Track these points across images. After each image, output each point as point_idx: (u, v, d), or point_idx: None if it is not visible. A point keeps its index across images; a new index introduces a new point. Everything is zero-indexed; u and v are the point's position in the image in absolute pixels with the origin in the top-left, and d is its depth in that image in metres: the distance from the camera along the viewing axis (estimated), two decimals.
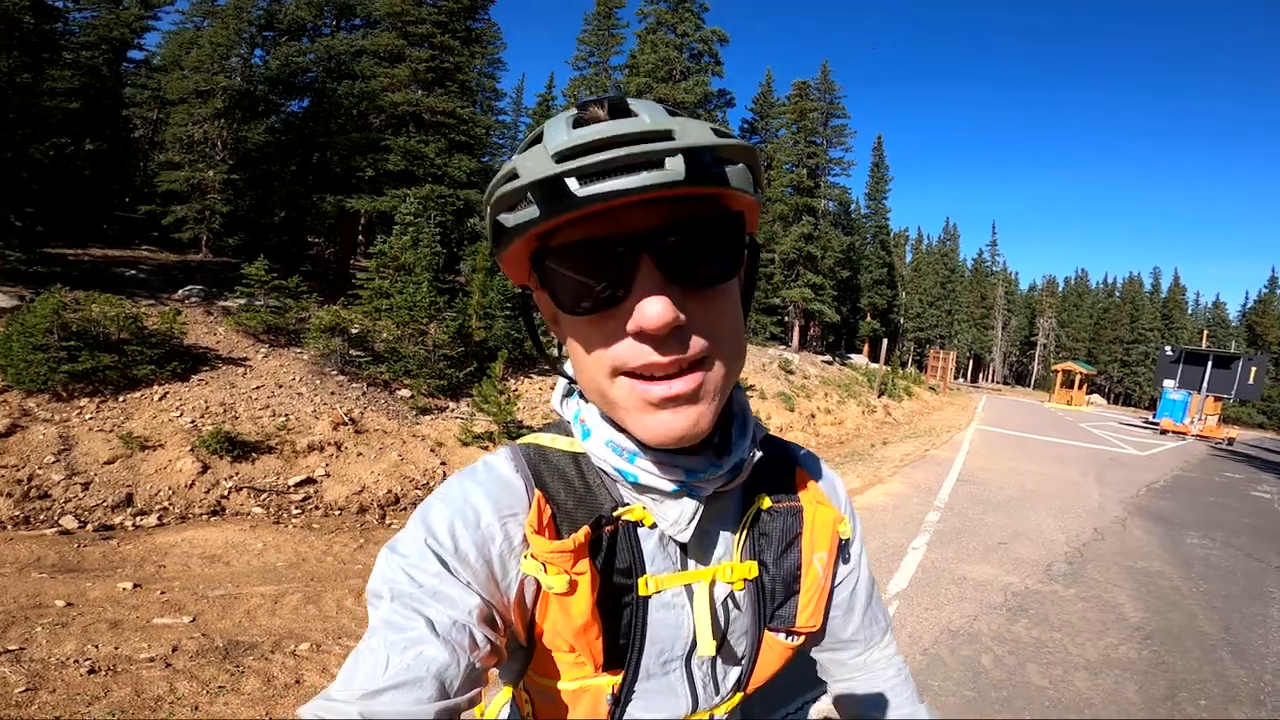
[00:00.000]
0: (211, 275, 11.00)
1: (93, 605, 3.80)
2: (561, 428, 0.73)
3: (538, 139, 0.53)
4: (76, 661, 3.09)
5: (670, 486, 0.63)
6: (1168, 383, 24.81)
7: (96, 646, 3.27)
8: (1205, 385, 23.87)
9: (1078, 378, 37.50)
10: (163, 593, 4.08)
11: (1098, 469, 11.68)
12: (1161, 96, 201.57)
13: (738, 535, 0.71)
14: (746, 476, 0.69)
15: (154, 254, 12.27)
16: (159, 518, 5.61)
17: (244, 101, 13.64)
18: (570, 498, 0.67)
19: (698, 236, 0.54)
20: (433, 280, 9.93)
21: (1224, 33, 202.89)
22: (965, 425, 17.67)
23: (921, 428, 16.66)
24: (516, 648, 0.68)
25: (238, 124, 13.75)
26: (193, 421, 6.72)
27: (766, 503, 0.73)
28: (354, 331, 9.23)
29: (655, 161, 0.48)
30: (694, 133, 0.49)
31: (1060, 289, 69.08)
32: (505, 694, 0.77)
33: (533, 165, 0.49)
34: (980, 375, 59.97)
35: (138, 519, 5.52)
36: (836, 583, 0.81)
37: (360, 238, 16.94)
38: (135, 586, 4.13)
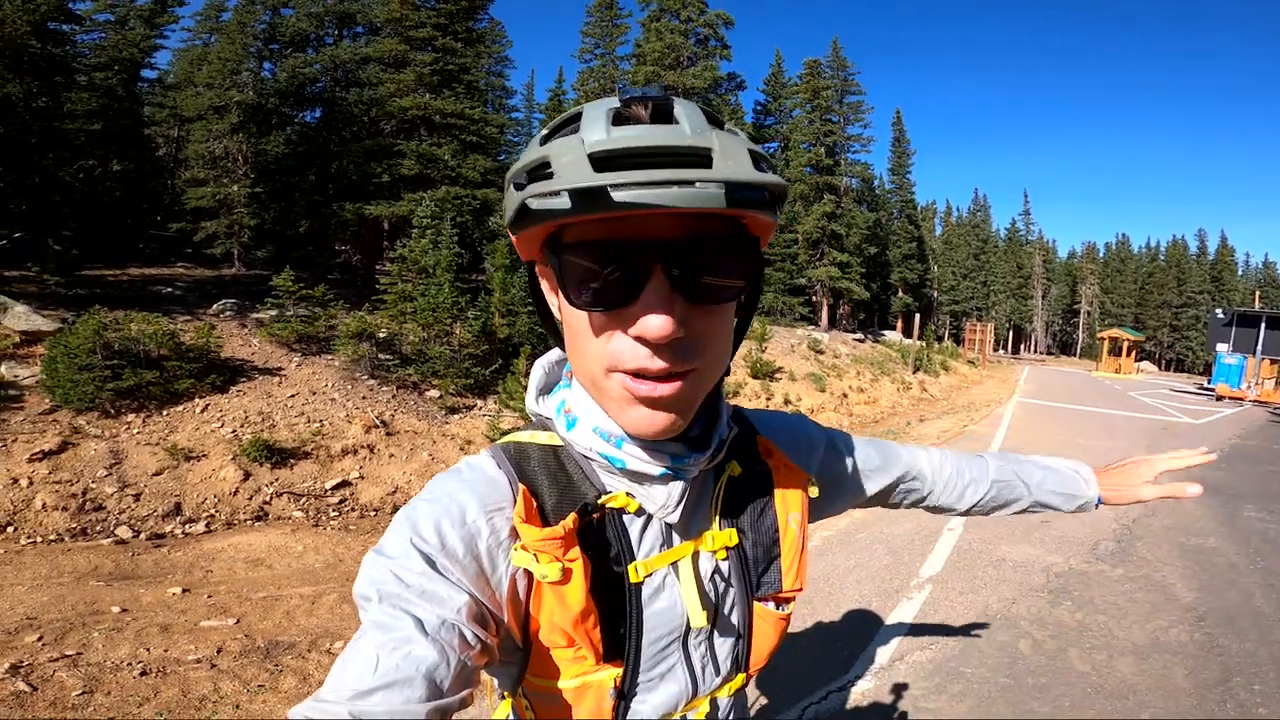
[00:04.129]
0: (244, 288, 11.30)
1: (145, 610, 3.94)
2: (538, 426, 0.74)
3: (572, 124, 0.55)
4: (129, 665, 3.20)
5: (658, 470, 0.64)
6: (1221, 346, 23.76)
7: (148, 650, 3.38)
8: (1260, 348, 22.80)
9: (1125, 344, 36.22)
10: (210, 596, 4.22)
11: (1149, 440, 11.23)
12: (1195, 53, 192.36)
13: (713, 505, 0.73)
14: (724, 455, 0.72)
15: (189, 270, 12.66)
16: (206, 525, 5.81)
17: (258, 115, 13.89)
18: (554, 489, 0.67)
19: (711, 255, 0.55)
20: (454, 281, 10.05)
21: None
22: (1006, 399, 17.19)
23: (959, 403, 16.30)
24: (513, 649, 0.67)
25: (255, 137, 14.01)
26: (233, 431, 6.93)
27: (736, 469, 0.75)
28: (381, 336, 9.40)
29: (690, 180, 0.49)
30: (733, 159, 0.50)
31: (1101, 255, 66.66)
32: (505, 706, 0.77)
33: (569, 161, 0.50)
34: (1021, 346, 58.33)
35: (186, 526, 5.73)
36: (839, 475, 0.90)
37: (385, 243, 17.18)
38: (184, 591, 4.27)
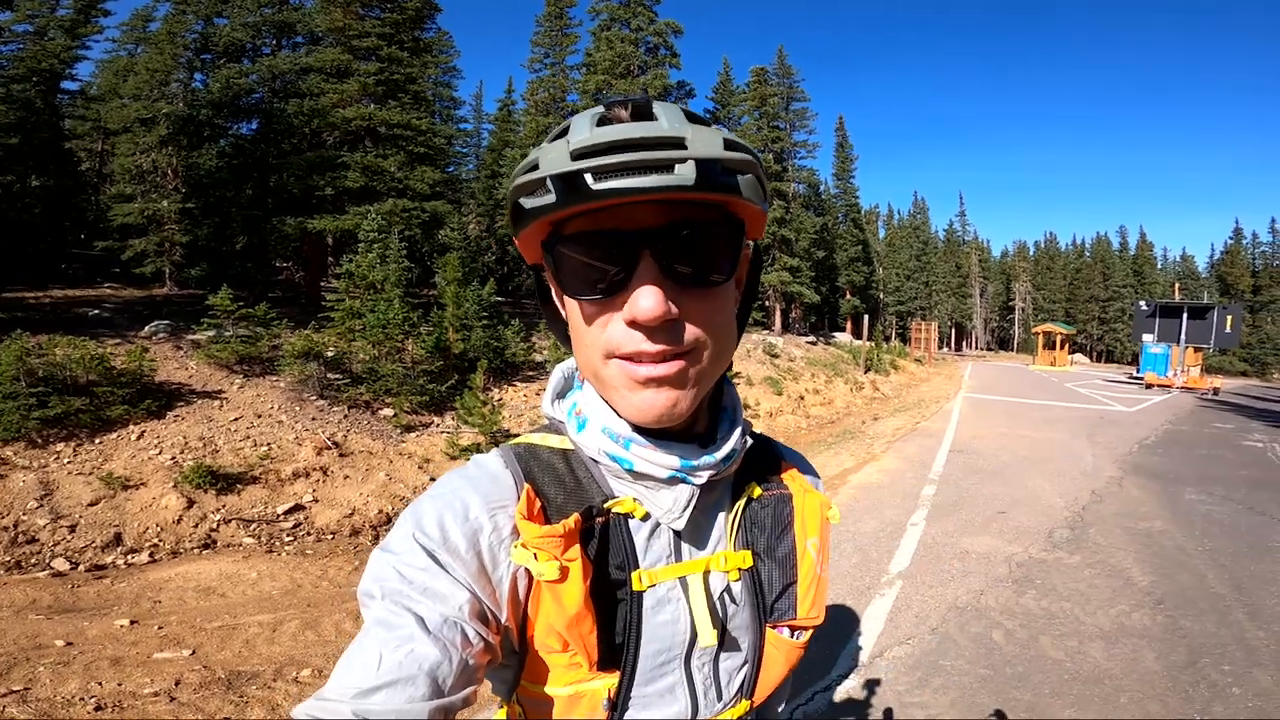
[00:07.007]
0: (177, 309, 10.78)
1: (92, 643, 3.74)
2: (551, 429, 0.74)
3: (564, 132, 0.57)
4: (82, 699, 3.06)
5: (664, 473, 0.64)
6: (1146, 337, 25.18)
7: (100, 684, 3.23)
8: (1183, 337, 24.23)
9: (1059, 338, 38.00)
10: (160, 628, 4.01)
11: (1088, 429, 11.77)
12: (1114, 54, 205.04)
13: (730, 524, 0.72)
14: (738, 466, 0.72)
15: (117, 291, 12.01)
16: (150, 554, 5.51)
17: (189, 127, 13.32)
18: (560, 491, 0.67)
19: (697, 239, 0.57)
20: (404, 296, 9.80)
21: None
22: (953, 394, 17.83)
23: (910, 400, 16.78)
24: (510, 652, 0.66)
25: (186, 151, 13.40)
26: (173, 458, 6.57)
27: (757, 491, 0.74)
28: (329, 354, 9.08)
29: (666, 166, 0.51)
30: (705, 142, 0.53)
31: (1031, 253, 70.05)
32: (501, 714, 0.75)
33: (554, 158, 0.53)
34: (963, 343, 60.60)
35: (129, 557, 5.43)
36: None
37: (330, 258, 16.67)
38: (133, 623, 4.06)
